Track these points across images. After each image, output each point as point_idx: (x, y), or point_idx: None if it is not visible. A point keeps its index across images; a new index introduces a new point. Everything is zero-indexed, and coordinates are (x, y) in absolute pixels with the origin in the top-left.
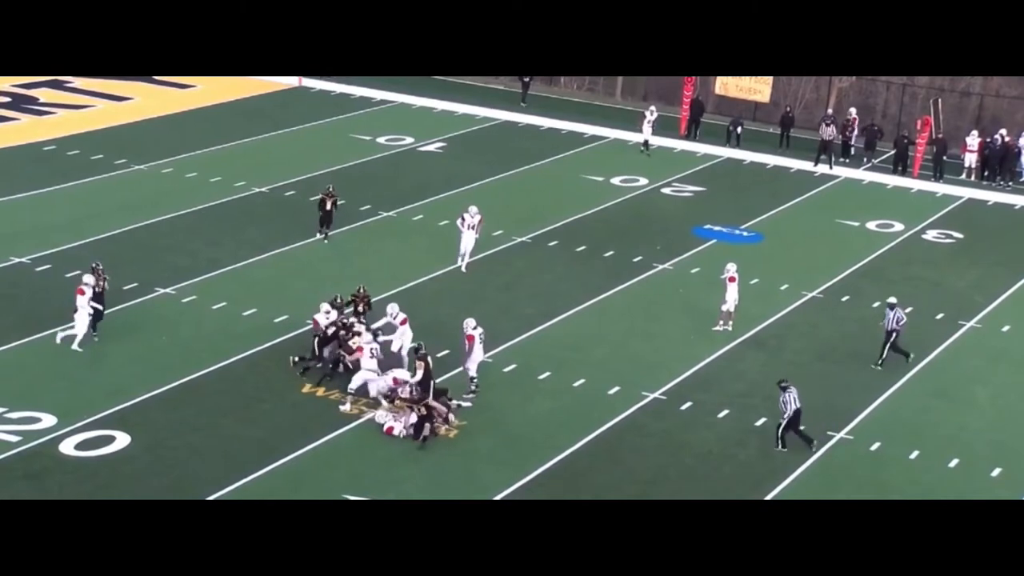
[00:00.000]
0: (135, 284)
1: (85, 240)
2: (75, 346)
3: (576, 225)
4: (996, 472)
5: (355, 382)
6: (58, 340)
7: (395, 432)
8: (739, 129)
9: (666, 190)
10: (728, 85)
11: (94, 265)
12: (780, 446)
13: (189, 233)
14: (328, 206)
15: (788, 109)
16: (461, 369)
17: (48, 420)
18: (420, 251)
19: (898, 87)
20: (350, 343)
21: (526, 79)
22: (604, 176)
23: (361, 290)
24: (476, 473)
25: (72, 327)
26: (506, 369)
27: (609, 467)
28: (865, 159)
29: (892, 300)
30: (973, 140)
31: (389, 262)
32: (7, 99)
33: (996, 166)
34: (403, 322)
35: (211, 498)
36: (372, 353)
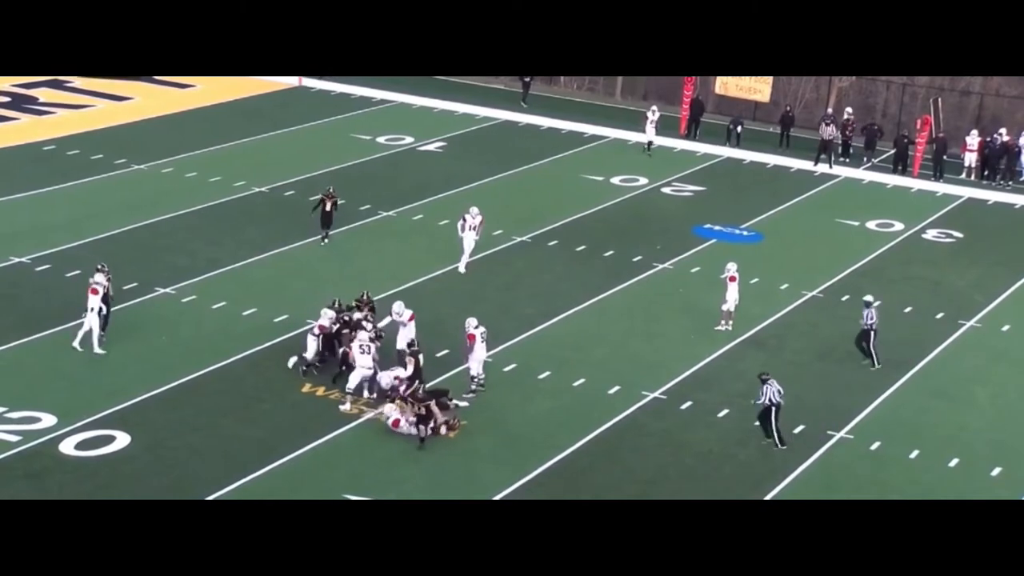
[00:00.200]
0: (135, 284)
1: (85, 240)
2: (97, 348)
3: (576, 225)
4: (996, 472)
5: (352, 381)
6: (76, 344)
7: (400, 426)
8: (739, 128)
9: (666, 190)
10: (728, 85)
11: (99, 267)
12: (777, 442)
13: (189, 233)
14: (328, 207)
15: (788, 108)
16: (461, 369)
17: (48, 420)
18: (420, 251)
19: (898, 86)
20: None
21: (527, 79)
22: (604, 176)
23: (365, 296)
24: (476, 473)
25: (83, 329)
26: (506, 369)
27: (609, 467)
28: (865, 158)
29: (868, 298)
30: (973, 139)
31: (389, 262)
32: (7, 99)
33: (996, 165)
34: (411, 318)
35: (211, 498)
36: (364, 349)
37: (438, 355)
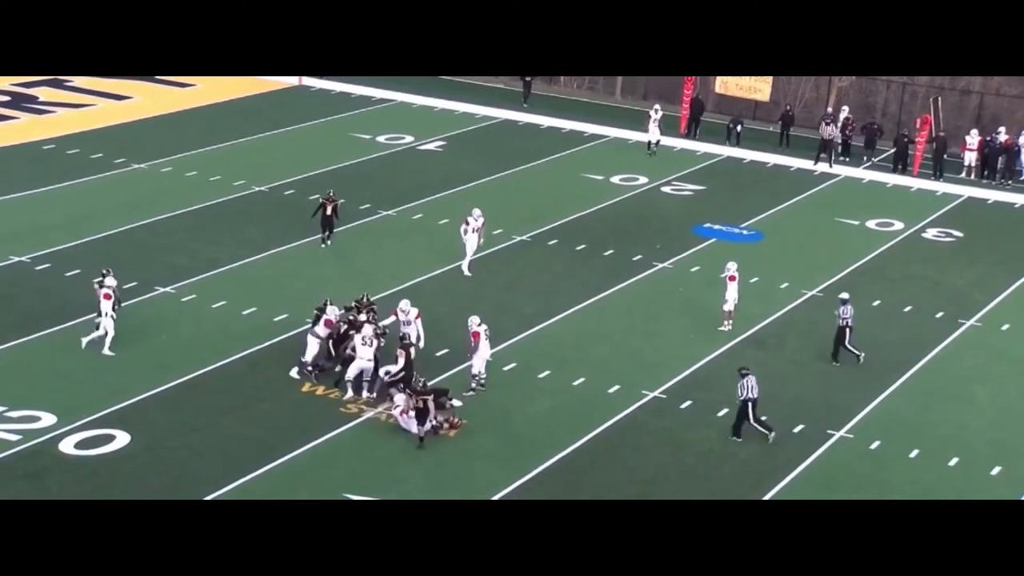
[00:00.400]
0: (134, 283)
1: (84, 239)
2: (107, 350)
3: (576, 224)
4: (996, 471)
5: (351, 372)
6: (84, 342)
7: (400, 417)
8: (739, 128)
9: (666, 189)
10: (728, 84)
11: (106, 271)
12: (767, 432)
13: (188, 232)
14: (328, 211)
15: (788, 108)
16: (461, 368)
17: (48, 419)
18: (420, 250)
19: (898, 86)
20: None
21: (527, 79)
22: (604, 175)
23: (364, 298)
24: (476, 472)
25: (96, 332)
26: (506, 368)
27: (609, 466)
28: (865, 158)
29: (844, 296)
30: (973, 139)
31: (389, 261)
32: (7, 98)
33: (996, 165)
34: (416, 316)
35: (210, 497)
36: (366, 342)
37: (437, 354)
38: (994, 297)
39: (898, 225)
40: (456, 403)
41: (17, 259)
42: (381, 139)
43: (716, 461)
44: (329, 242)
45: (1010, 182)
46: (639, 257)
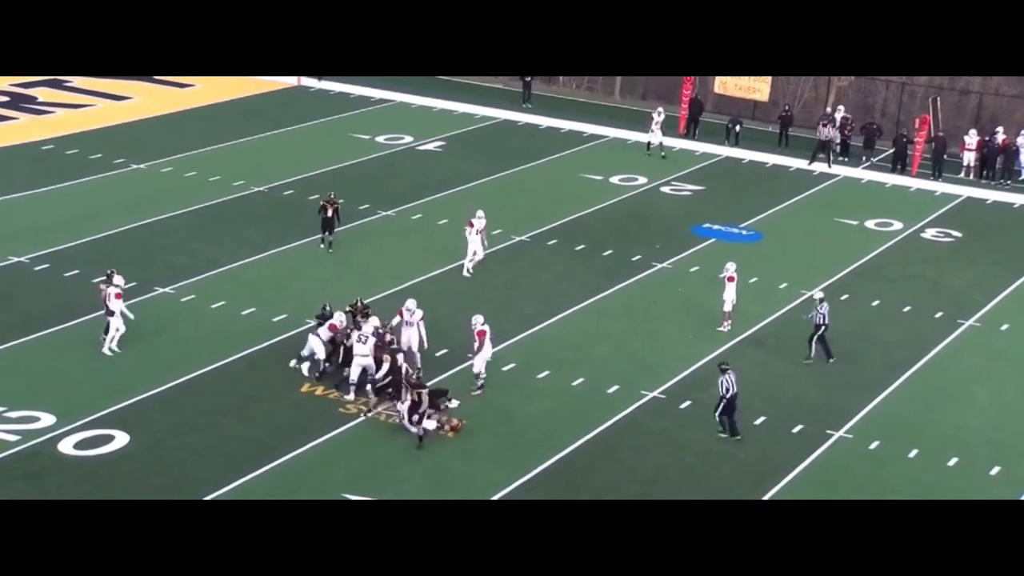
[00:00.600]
0: (134, 283)
1: (84, 239)
2: (106, 348)
3: (575, 224)
4: (995, 471)
5: (353, 372)
6: (106, 351)
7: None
8: (738, 128)
9: (665, 189)
10: (727, 84)
11: (110, 272)
12: (723, 430)
13: (188, 232)
14: (330, 213)
15: (787, 108)
16: (461, 368)
17: (47, 419)
18: (419, 250)
19: (897, 86)
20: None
21: (527, 79)
22: (603, 175)
23: (359, 303)
24: (476, 472)
25: (111, 333)
26: (505, 368)
27: (609, 466)
28: (864, 158)
29: (819, 295)
30: (972, 139)
31: (388, 261)
32: (6, 98)
33: (995, 165)
34: (421, 318)
35: (210, 498)
36: (362, 339)
37: (437, 355)
38: (993, 297)
39: (897, 225)
40: (454, 404)
41: (16, 259)
42: (380, 139)
43: (715, 461)
44: (331, 246)
45: (1009, 182)
46: (638, 257)
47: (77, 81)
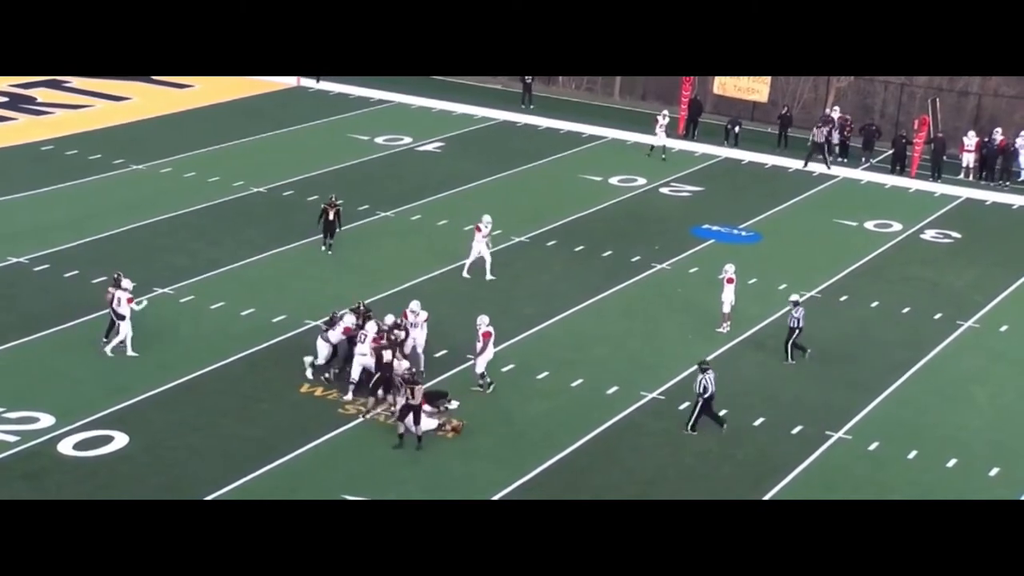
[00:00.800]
0: (133, 284)
1: (83, 240)
2: (108, 349)
3: (574, 225)
4: (994, 472)
5: (355, 372)
6: (107, 352)
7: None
8: (737, 129)
9: (664, 190)
10: (726, 85)
11: (118, 275)
12: (691, 431)
13: (187, 233)
14: (331, 216)
15: (786, 109)
16: (460, 369)
17: (47, 420)
18: (419, 251)
19: (896, 87)
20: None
21: (528, 80)
22: (602, 176)
23: (360, 306)
24: (475, 473)
25: (118, 337)
26: (505, 369)
27: (608, 467)
28: (863, 159)
29: (795, 297)
30: (970, 140)
31: (387, 262)
32: (5, 99)
33: (994, 166)
34: (425, 319)
35: (209, 498)
36: (361, 339)
37: (437, 355)
38: (992, 298)
39: (896, 226)
40: (454, 405)
41: (16, 260)
42: (379, 140)
43: (715, 462)
44: (332, 249)
45: (1008, 183)
46: (638, 258)
47: (76, 82)
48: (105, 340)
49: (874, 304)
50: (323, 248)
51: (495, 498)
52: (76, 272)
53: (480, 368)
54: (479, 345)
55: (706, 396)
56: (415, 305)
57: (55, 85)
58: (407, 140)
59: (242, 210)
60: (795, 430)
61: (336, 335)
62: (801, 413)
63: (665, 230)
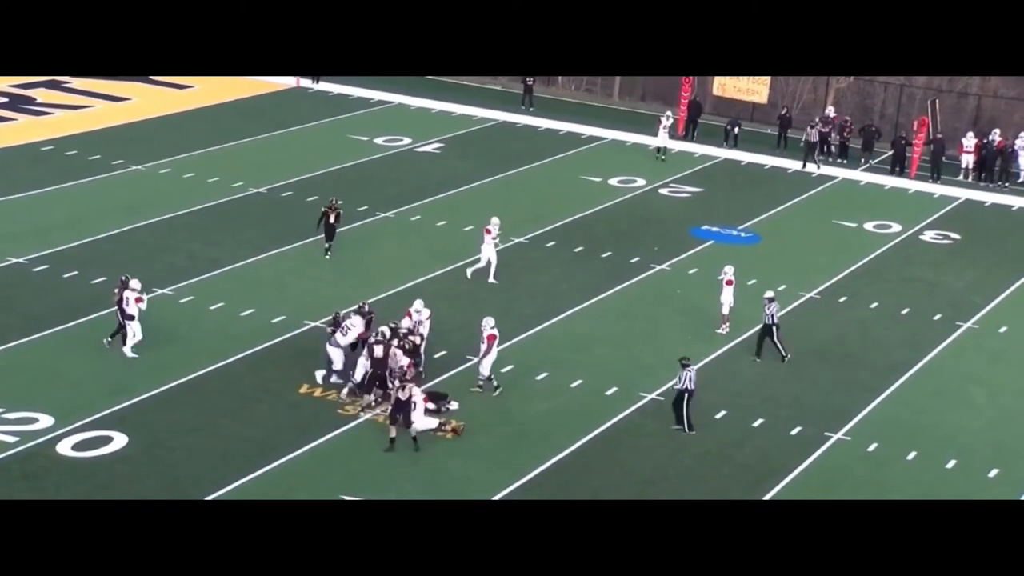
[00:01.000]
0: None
1: (83, 240)
2: (130, 352)
3: (574, 226)
4: (994, 472)
5: (358, 374)
6: (129, 354)
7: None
8: (737, 130)
9: (664, 191)
10: (726, 86)
11: (124, 278)
12: (686, 427)
13: (187, 233)
14: (332, 219)
15: (786, 110)
16: (460, 369)
17: (46, 420)
18: (418, 251)
19: (896, 88)
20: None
21: (529, 82)
22: (602, 177)
23: (364, 307)
24: (475, 473)
25: (134, 338)
26: (504, 369)
27: (607, 467)
28: (863, 160)
29: (770, 294)
30: (969, 141)
31: (387, 263)
32: (4, 99)
33: (993, 167)
34: (428, 317)
35: (209, 498)
36: (344, 331)
37: (436, 356)
38: (992, 299)
39: (896, 227)
40: (454, 406)
41: (15, 260)
42: (379, 141)
43: (714, 463)
44: (329, 251)
45: (1007, 184)
46: (637, 259)
47: (76, 82)
48: (109, 340)
49: (874, 305)
50: (324, 253)
51: (494, 498)
52: (76, 272)
53: (486, 371)
54: (483, 347)
55: (686, 391)
56: (418, 304)
57: (55, 85)
58: (407, 141)
59: (242, 210)
60: (794, 431)
61: (347, 340)
62: (800, 414)
63: (664, 231)
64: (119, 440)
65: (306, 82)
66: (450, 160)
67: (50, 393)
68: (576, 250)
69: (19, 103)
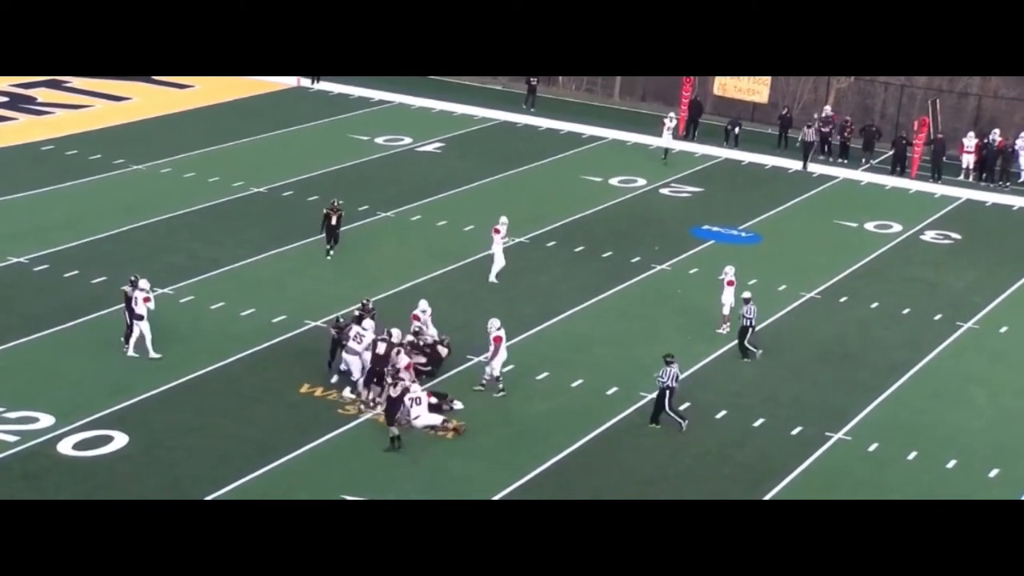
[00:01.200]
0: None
1: (83, 240)
2: (152, 352)
3: (574, 226)
4: (994, 473)
5: (355, 371)
6: (152, 355)
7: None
8: (737, 130)
9: (664, 191)
10: (726, 86)
11: (133, 278)
12: (680, 420)
13: (187, 233)
14: (334, 221)
15: (786, 110)
16: (460, 369)
17: (46, 420)
18: (418, 251)
19: (896, 88)
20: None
21: (533, 82)
22: (602, 177)
23: (368, 304)
24: (475, 473)
25: (147, 337)
26: (505, 369)
27: (607, 467)
28: (863, 160)
29: (747, 295)
30: (970, 141)
31: (387, 263)
32: (5, 99)
33: (994, 167)
34: (430, 314)
35: (209, 498)
36: (358, 339)
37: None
38: (992, 299)
39: (896, 227)
40: (458, 406)
41: (16, 260)
42: (380, 140)
43: (714, 463)
44: (332, 253)
45: (1008, 184)
46: (637, 259)
47: (76, 82)
48: (125, 342)
49: (874, 305)
50: (326, 255)
51: (495, 498)
52: (76, 272)
53: (496, 372)
54: (491, 349)
55: (667, 388)
56: (423, 304)
57: (55, 85)
58: (407, 140)
59: (242, 210)
60: (795, 431)
61: (363, 346)
62: (801, 414)
63: (665, 231)
64: (119, 440)
65: (306, 82)
66: (451, 160)
67: (50, 393)
68: (576, 250)
69: (20, 103)
